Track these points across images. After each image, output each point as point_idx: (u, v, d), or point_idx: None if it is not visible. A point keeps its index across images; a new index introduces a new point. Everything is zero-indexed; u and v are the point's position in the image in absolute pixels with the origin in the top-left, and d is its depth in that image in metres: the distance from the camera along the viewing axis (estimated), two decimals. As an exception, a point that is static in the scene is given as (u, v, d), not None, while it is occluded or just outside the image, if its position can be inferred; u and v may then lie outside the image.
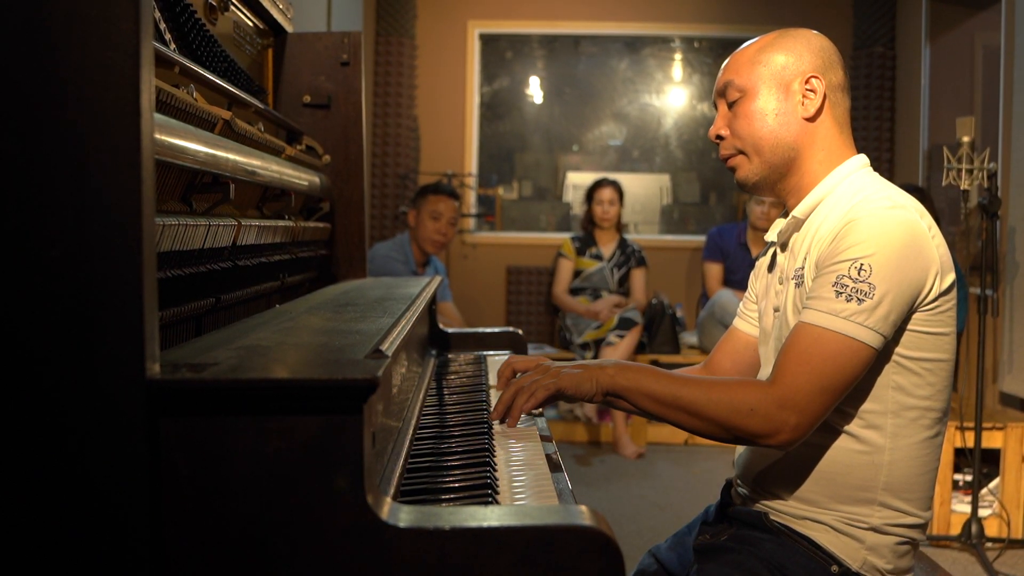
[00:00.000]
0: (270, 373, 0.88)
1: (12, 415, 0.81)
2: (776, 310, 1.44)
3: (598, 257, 4.83)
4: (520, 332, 2.11)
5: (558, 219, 6.04)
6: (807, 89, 1.39)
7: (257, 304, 1.55)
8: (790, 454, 1.35)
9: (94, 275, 0.81)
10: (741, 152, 1.43)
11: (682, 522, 1.64)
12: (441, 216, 4.05)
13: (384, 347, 1.04)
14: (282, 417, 0.83)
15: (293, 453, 0.83)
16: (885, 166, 5.15)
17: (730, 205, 6.13)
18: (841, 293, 1.24)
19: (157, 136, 1.01)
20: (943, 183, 3.20)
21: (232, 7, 1.78)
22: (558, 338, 4.93)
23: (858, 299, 1.23)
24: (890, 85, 5.18)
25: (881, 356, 1.29)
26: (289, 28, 2.10)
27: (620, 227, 4.91)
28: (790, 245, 1.44)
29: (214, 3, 1.65)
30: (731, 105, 1.43)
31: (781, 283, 1.44)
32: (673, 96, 6.16)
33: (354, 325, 1.24)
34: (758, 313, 1.54)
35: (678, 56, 6.08)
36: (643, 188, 6.10)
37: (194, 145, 1.16)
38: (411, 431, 1.31)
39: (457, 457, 1.22)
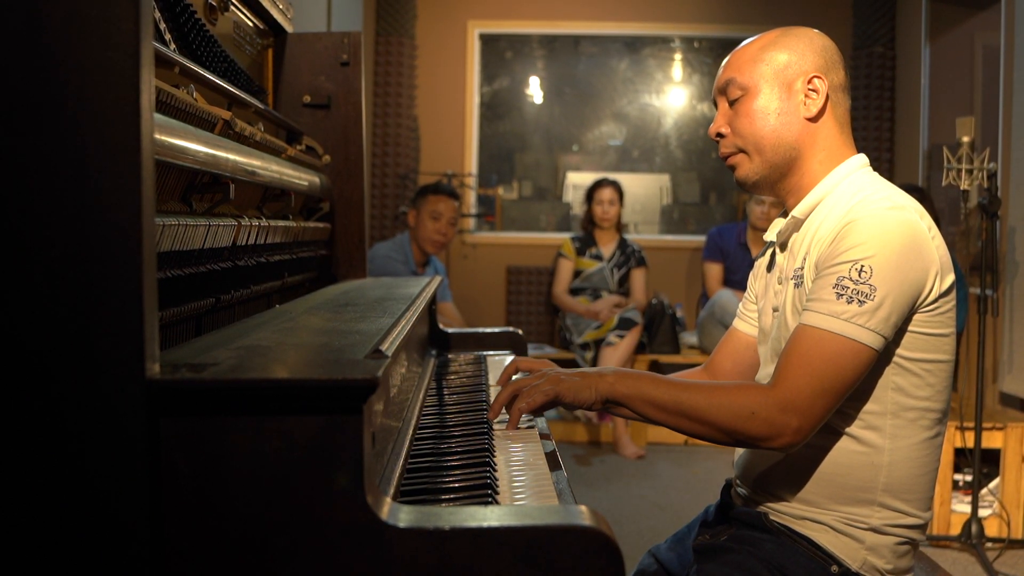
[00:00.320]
0: (270, 373, 0.88)
1: (12, 415, 0.82)
2: (775, 310, 1.44)
3: (598, 257, 4.83)
4: (520, 332, 2.11)
5: (558, 219, 6.04)
6: (809, 89, 1.39)
7: (257, 304, 1.55)
8: (790, 455, 1.35)
9: (94, 275, 0.81)
10: (742, 151, 1.42)
11: (682, 522, 1.64)
12: (441, 216, 4.05)
13: (384, 347, 1.03)
14: (282, 417, 0.83)
15: (293, 453, 0.83)
16: (885, 166, 5.15)
17: (730, 205, 6.13)
18: (842, 295, 1.24)
19: (157, 136, 1.01)
20: (943, 183, 3.20)
21: (232, 7, 1.78)
22: (558, 338, 4.93)
23: (859, 301, 1.23)
24: (890, 85, 5.18)
25: (881, 357, 1.28)
26: (289, 28, 2.10)
27: (620, 227, 4.91)
28: (789, 245, 1.44)
29: (214, 3, 1.65)
30: (732, 103, 1.42)
31: (780, 283, 1.44)
32: (673, 96, 6.16)
33: (354, 325, 1.24)
34: (757, 313, 1.54)
35: (678, 56, 6.08)
36: (643, 188, 6.10)
37: (194, 145, 1.16)
38: (411, 431, 1.32)
39: (457, 457, 1.22)
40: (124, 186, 0.81)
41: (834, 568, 1.31)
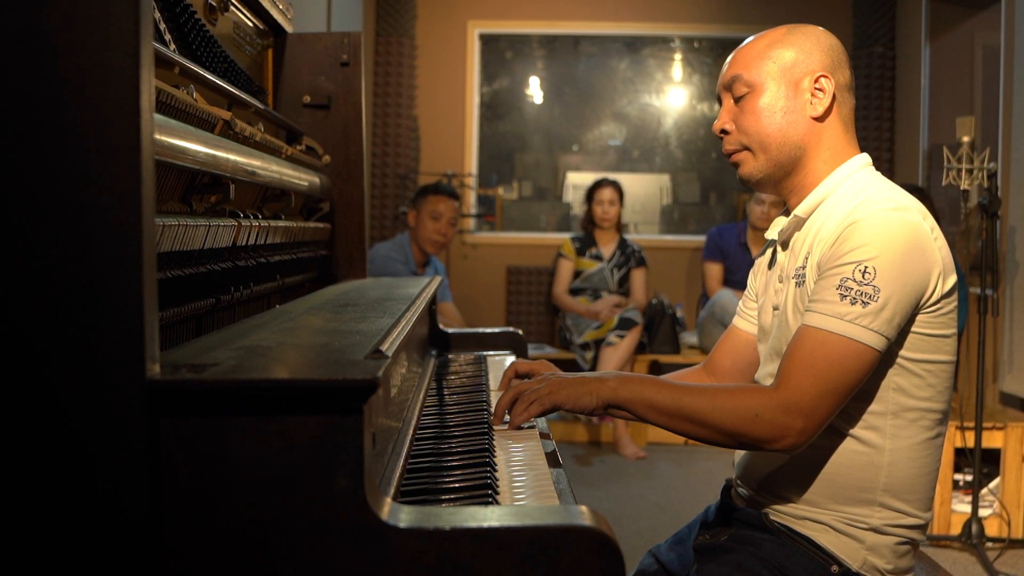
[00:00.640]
0: (270, 374, 0.88)
1: (13, 416, 0.81)
2: (775, 308, 1.44)
3: (598, 257, 4.83)
4: (520, 332, 2.11)
5: (558, 219, 6.04)
6: (816, 88, 1.38)
7: (257, 304, 1.55)
8: (791, 455, 1.35)
9: (94, 276, 0.81)
10: (746, 148, 1.42)
11: (682, 522, 1.64)
12: (441, 216, 4.05)
13: (384, 347, 1.03)
14: (282, 417, 0.83)
15: (293, 453, 0.83)
16: (885, 166, 5.15)
17: (730, 205, 6.13)
18: (846, 296, 1.24)
19: (157, 136, 1.01)
20: (943, 183, 3.20)
21: (232, 7, 1.78)
22: (558, 338, 4.93)
23: (863, 302, 1.23)
24: (890, 85, 5.18)
25: (883, 357, 1.28)
26: (289, 28, 2.10)
27: (620, 227, 4.91)
28: (791, 244, 1.43)
29: (214, 3, 1.65)
30: (737, 100, 1.42)
31: (781, 281, 1.43)
32: (673, 96, 6.16)
33: (354, 325, 1.24)
34: (757, 311, 1.54)
35: (678, 56, 6.08)
36: (643, 188, 6.10)
37: (194, 145, 1.16)
38: (411, 431, 1.31)
39: (457, 457, 1.22)
40: (124, 186, 0.81)
41: (834, 568, 1.31)
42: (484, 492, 1.07)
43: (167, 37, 1.37)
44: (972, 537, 3.00)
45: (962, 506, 3.24)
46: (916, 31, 4.91)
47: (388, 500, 0.87)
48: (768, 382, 1.42)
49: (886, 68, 5.17)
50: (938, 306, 1.29)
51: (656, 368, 4.61)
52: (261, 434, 0.83)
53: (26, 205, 0.81)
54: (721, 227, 4.92)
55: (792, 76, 1.38)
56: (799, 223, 1.42)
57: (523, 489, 1.09)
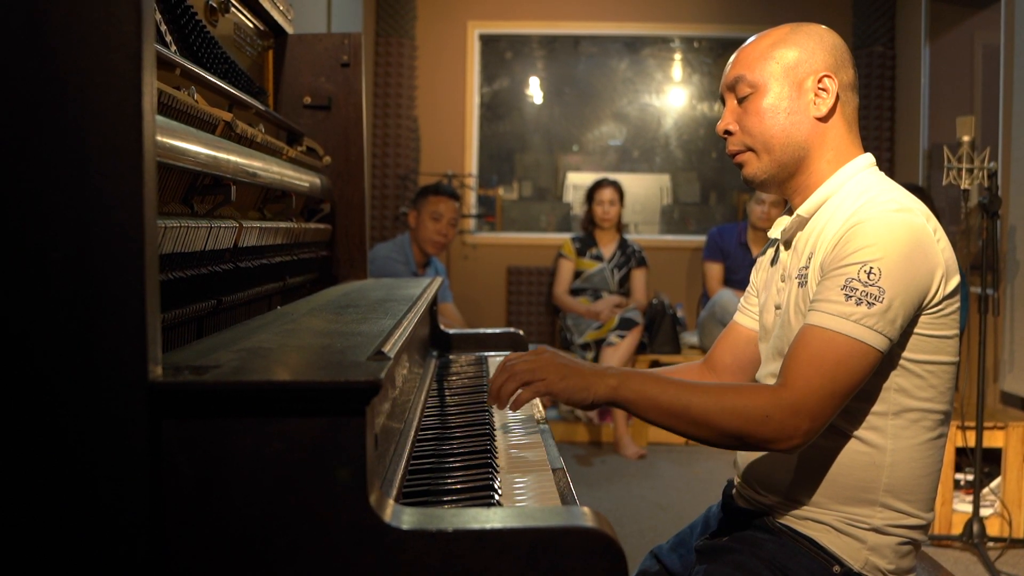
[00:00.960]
0: (272, 375, 0.88)
1: (14, 417, 0.81)
2: (777, 308, 1.44)
3: (598, 258, 4.83)
4: (521, 333, 2.11)
5: (558, 219, 6.04)
6: (820, 88, 1.37)
7: (258, 306, 1.55)
8: (792, 455, 1.35)
9: (96, 277, 0.81)
10: (750, 149, 1.41)
11: (684, 522, 1.64)
12: (441, 217, 4.05)
13: (386, 349, 1.03)
14: (284, 419, 0.83)
15: (295, 455, 0.83)
16: (885, 166, 5.15)
17: (730, 205, 6.13)
18: (851, 296, 1.24)
19: (158, 138, 1.01)
20: (943, 182, 3.20)
21: (232, 9, 1.78)
22: (559, 338, 4.93)
23: (868, 303, 1.23)
24: (890, 85, 5.18)
25: (885, 358, 1.28)
26: (289, 29, 2.10)
27: (620, 227, 4.91)
28: (793, 243, 1.43)
29: (214, 5, 1.65)
30: (741, 100, 1.41)
31: (783, 281, 1.43)
32: (673, 96, 6.15)
33: (356, 327, 1.24)
34: (758, 308, 1.53)
35: (678, 56, 6.08)
36: (643, 188, 6.10)
37: (195, 147, 1.16)
38: (413, 433, 1.31)
39: (459, 459, 1.22)
40: (126, 188, 0.81)
41: (836, 568, 1.31)
42: (486, 493, 1.07)
43: (168, 38, 1.37)
44: (973, 537, 3.00)
45: (963, 506, 3.24)
46: (916, 31, 4.91)
47: (391, 502, 0.87)
48: (769, 381, 1.42)
49: (886, 68, 5.17)
50: (940, 307, 1.29)
51: (656, 368, 4.61)
52: (263, 436, 0.83)
53: (28, 206, 0.81)
54: (721, 227, 4.92)
55: (795, 76, 1.38)
56: (802, 223, 1.41)
57: (525, 490, 1.09)
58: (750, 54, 1.41)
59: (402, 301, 1.60)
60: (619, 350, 4.41)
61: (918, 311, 1.28)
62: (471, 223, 5.48)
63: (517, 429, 1.41)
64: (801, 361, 1.25)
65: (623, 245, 4.86)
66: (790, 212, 1.47)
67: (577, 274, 4.84)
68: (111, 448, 0.82)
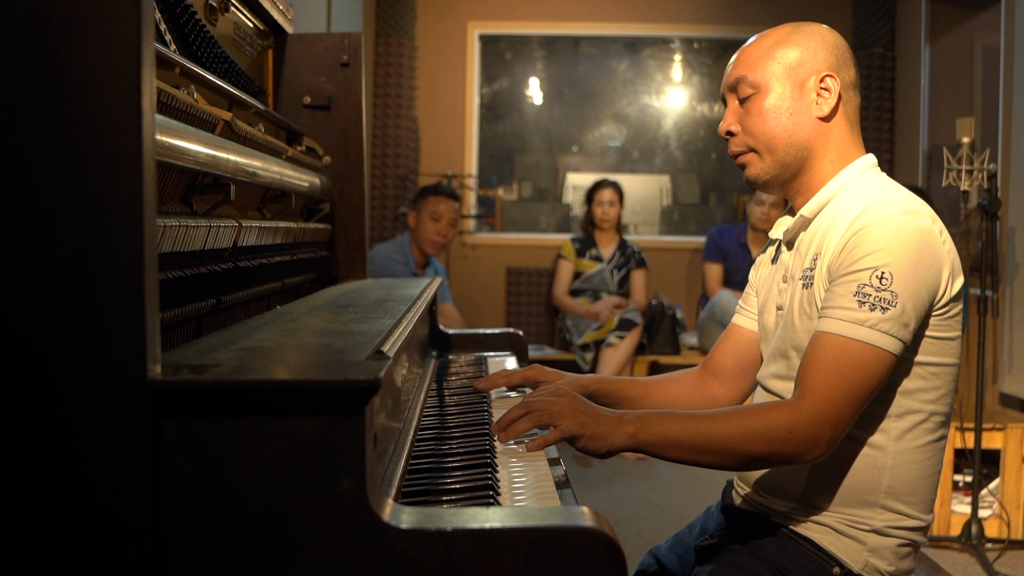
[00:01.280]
0: (272, 374, 0.88)
1: (14, 416, 0.81)
2: (779, 308, 1.43)
3: (598, 258, 4.83)
4: (520, 333, 2.11)
5: (558, 220, 6.04)
6: (822, 88, 1.37)
7: (258, 305, 1.55)
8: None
9: (95, 276, 0.81)
10: (752, 150, 1.41)
11: (683, 523, 1.63)
12: (441, 217, 4.04)
13: (385, 348, 1.03)
14: (284, 418, 0.83)
15: (295, 454, 0.83)
16: (885, 167, 5.15)
17: (730, 206, 6.13)
18: (864, 302, 1.23)
19: (158, 137, 1.01)
20: (943, 184, 3.20)
21: (232, 8, 1.78)
22: (558, 339, 4.93)
23: (882, 308, 1.23)
24: (890, 86, 5.18)
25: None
26: (289, 29, 2.10)
27: (620, 228, 4.91)
28: (796, 244, 1.43)
29: (214, 4, 1.65)
30: (743, 101, 1.40)
31: (786, 282, 1.43)
32: (673, 97, 6.16)
33: (355, 326, 1.24)
34: (758, 306, 1.53)
35: (678, 57, 6.08)
36: (643, 189, 6.10)
37: (195, 146, 1.16)
38: (412, 432, 1.31)
39: (458, 458, 1.22)
40: (126, 187, 0.81)
41: (836, 570, 1.31)
42: (485, 493, 1.07)
43: (168, 38, 1.37)
44: (972, 538, 3.00)
45: (962, 507, 3.24)
46: (916, 32, 4.91)
47: (390, 501, 0.87)
48: (771, 382, 1.42)
49: (886, 69, 5.17)
50: (946, 309, 1.29)
51: (656, 369, 4.61)
52: (263, 435, 0.83)
53: (27, 205, 0.81)
54: (721, 228, 4.92)
55: (797, 76, 1.37)
56: (805, 223, 1.41)
57: (524, 490, 1.09)
58: (751, 54, 1.41)
59: (401, 301, 1.59)
60: (618, 351, 4.41)
61: (928, 313, 1.28)
62: (471, 224, 5.48)
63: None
64: (818, 370, 1.24)
65: (623, 246, 4.86)
66: (791, 212, 1.46)
67: (577, 275, 4.84)
68: (110, 447, 0.81)
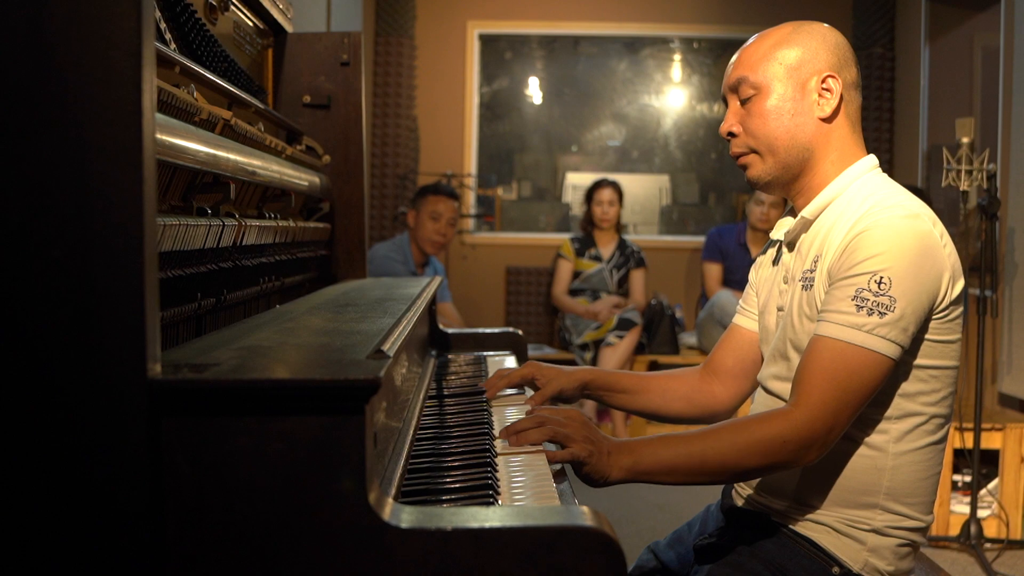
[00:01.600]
0: (272, 373, 0.88)
1: (14, 415, 0.81)
2: (780, 309, 1.43)
3: (597, 258, 4.83)
4: (520, 333, 2.11)
5: (557, 220, 6.04)
6: (823, 88, 1.36)
7: (257, 304, 1.55)
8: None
9: (96, 275, 0.81)
10: (754, 151, 1.40)
11: (682, 522, 1.63)
12: (440, 216, 4.04)
13: (386, 347, 1.03)
14: (284, 418, 0.83)
15: (295, 454, 0.83)
16: (884, 167, 5.11)
17: (729, 206, 6.13)
18: (862, 307, 1.23)
19: (158, 136, 1.01)
20: (942, 184, 3.20)
21: (232, 7, 1.78)
22: (557, 339, 4.93)
23: (880, 312, 1.23)
24: (889, 86, 5.18)
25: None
26: (289, 28, 2.10)
27: (619, 228, 4.91)
28: (797, 245, 1.43)
29: (214, 3, 1.64)
30: (744, 102, 1.40)
31: (787, 283, 1.43)
32: (672, 97, 6.16)
33: (355, 325, 1.24)
34: (758, 307, 1.53)
35: (677, 57, 6.08)
36: (642, 189, 6.10)
37: (195, 145, 1.15)
38: (412, 431, 1.31)
39: (458, 457, 1.22)
40: (126, 186, 0.81)
41: (835, 569, 1.31)
42: (485, 492, 1.07)
43: (168, 36, 1.37)
44: (971, 538, 3.00)
45: (961, 507, 3.24)
46: (916, 32, 4.91)
47: (390, 500, 0.87)
48: (771, 383, 1.42)
49: (885, 69, 5.17)
50: (946, 312, 1.29)
51: (655, 368, 4.61)
52: (263, 434, 0.83)
53: (27, 204, 0.81)
54: (720, 228, 4.92)
55: (799, 77, 1.37)
56: (806, 225, 1.41)
57: (523, 489, 1.09)
58: (752, 55, 1.40)
59: (401, 300, 1.59)
60: (617, 350, 4.41)
61: (928, 317, 1.28)
62: (470, 223, 5.48)
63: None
64: (814, 374, 1.24)
65: (622, 245, 4.86)
66: (792, 213, 1.46)
67: (576, 274, 4.84)
68: (111, 446, 0.81)
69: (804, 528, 1.35)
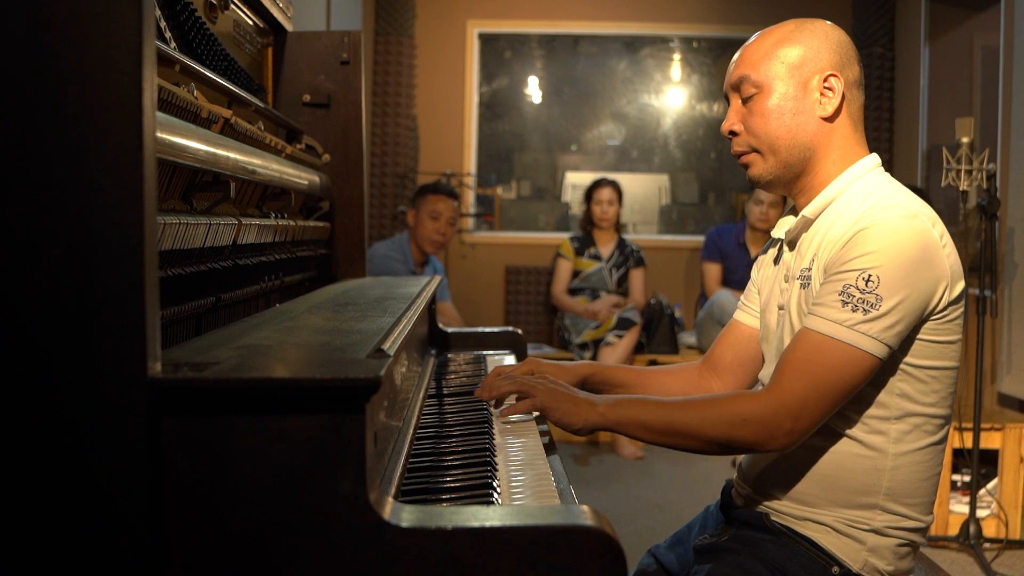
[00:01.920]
0: (272, 373, 0.88)
1: (14, 414, 0.81)
2: (780, 308, 1.43)
3: (597, 257, 4.83)
4: (519, 332, 2.11)
5: (557, 219, 6.03)
6: (825, 87, 1.36)
7: (257, 303, 1.55)
8: (793, 456, 1.35)
9: (96, 274, 0.81)
10: (755, 150, 1.40)
11: (681, 522, 1.63)
12: (440, 216, 4.04)
13: (386, 346, 1.03)
14: (284, 417, 0.83)
15: (295, 453, 0.83)
16: (884, 166, 5.13)
17: (729, 205, 6.13)
18: (847, 303, 1.23)
19: (158, 134, 1.01)
20: (942, 184, 3.20)
21: (232, 6, 1.78)
22: (557, 338, 4.93)
23: (864, 309, 1.23)
24: (889, 86, 5.18)
25: (887, 365, 1.28)
26: (289, 27, 2.10)
27: (619, 227, 4.91)
28: (798, 244, 1.43)
29: (214, 2, 1.64)
30: (745, 101, 1.40)
31: (787, 281, 1.43)
32: (672, 96, 6.15)
33: (355, 324, 1.23)
34: (759, 307, 1.53)
35: (677, 56, 6.08)
36: (642, 188, 6.10)
37: (195, 144, 1.15)
38: (411, 431, 1.31)
39: (457, 457, 1.22)
40: (126, 184, 0.81)
41: (835, 569, 1.31)
42: (485, 491, 1.07)
43: (168, 35, 1.37)
44: (970, 538, 3.00)
45: (960, 507, 3.24)
46: (915, 32, 4.91)
47: (390, 499, 0.87)
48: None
49: (885, 69, 5.17)
50: (945, 313, 1.29)
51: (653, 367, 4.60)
52: (263, 433, 0.83)
53: (28, 203, 0.81)
54: (720, 227, 4.92)
55: (801, 76, 1.36)
56: (807, 224, 1.41)
57: (523, 488, 1.09)
58: (754, 53, 1.40)
59: (401, 299, 1.59)
60: (617, 350, 4.41)
61: (922, 318, 1.28)
62: (469, 222, 5.48)
63: (515, 427, 1.41)
64: (790, 363, 1.26)
65: (621, 245, 4.86)
66: (794, 212, 1.46)
67: (575, 274, 4.84)
68: (111, 445, 0.81)
69: (804, 528, 1.35)
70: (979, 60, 4.58)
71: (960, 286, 1.30)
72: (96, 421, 0.81)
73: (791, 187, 1.43)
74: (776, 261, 1.50)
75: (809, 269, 1.36)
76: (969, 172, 3.14)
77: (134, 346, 0.81)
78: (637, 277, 4.83)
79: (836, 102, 1.36)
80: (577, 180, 6.01)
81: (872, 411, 1.30)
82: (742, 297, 1.61)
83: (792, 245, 1.44)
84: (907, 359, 1.29)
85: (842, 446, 1.32)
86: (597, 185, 4.85)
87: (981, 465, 3.21)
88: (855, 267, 1.24)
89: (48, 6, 0.81)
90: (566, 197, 6.07)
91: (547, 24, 5.55)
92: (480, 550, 0.82)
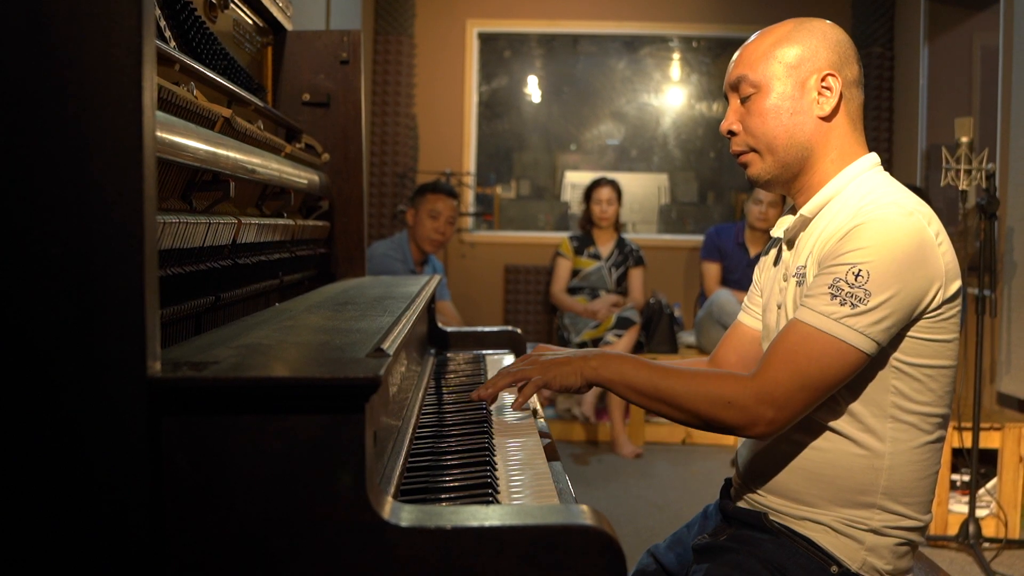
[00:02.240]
0: (271, 372, 0.88)
1: (14, 413, 0.81)
2: (779, 307, 1.43)
3: (596, 256, 4.83)
4: (519, 331, 2.11)
5: (556, 218, 6.03)
6: (823, 87, 1.36)
7: (256, 302, 1.55)
8: (791, 455, 1.35)
9: (95, 273, 0.81)
10: (753, 150, 1.40)
11: (681, 522, 1.64)
12: (439, 215, 4.04)
13: (385, 346, 1.03)
14: (284, 416, 0.83)
15: (295, 452, 0.83)
16: (883, 166, 5.13)
17: (728, 205, 6.13)
18: (836, 296, 1.24)
19: (158, 134, 1.01)
20: (941, 183, 3.20)
21: (232, 5, 1.78)
22: (556, 337, 4.93)
23: (851, 303, 1.23)
24: (888, 85, 5.18)
25: (880, 362, 1.28)
26: (288, 26, 2.10)
27: (618, 226, 4.91)
28: (796, 243, 1.43)
29: (214, 1, 1.64)
30: (744, 100, 1.40)
31: (785, 280, 1.43)
32: (671, 96, 6.15)
33: (354, 324, 1.23)
34: (762, 307, 1.53)
35: (676, 56, 6.08)
36: (641, 187, 6.10)
37: (195, 143, 1.15)
38: (411, 430, 1.31)
39: (457, 456, 1.22)
40: (126, 183, 0.81)
41: (834, 568, 1.31)
42: (484, 491, 1.07)
43: (167, 34, 1.37)
44: (969, 537, 3.01)
45: (959, 506, 3.25)
46: (915, 32, 4.91)
47: (389, 499, 0.87)
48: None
49: (884, 68, 5.17)
50: (940, 311, 1.29)
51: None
52: (263, 432, 0.83)
53: (27, 202, 0.81)
54: (719, 227, 4.92)
55: (798, 75, 1.37)
56: (805, 222, 1.41)
57: (523, 488, 1.09)
58: (752, 53, 1.40)
59: (400, 299, 1.59)
60: (616, 349, 4.41)
61: (915, 316, 1.28)
62: (469, 221, 5.48)
63: (514, 427, 1.41)
64: (775, 352, 1.28)
65: (621, 244, 4.86)
66: (793, 211, 1.46)
67: (575, 273, 4.84)
68: (110, 444, 0.81)
69: (802, 527, 1.35)
70: (978, 60, 4.58)
71: (956, 285, 1.30)
72: (96, 420, 0.81)
73: (790, 186, 1.43)
74: (776, 261, 1.50)
75: (804, 266, 1.36)
76: (968, 172, 3.14)
77: (134, 345, 0.81)
78: (636, 276, 4.83)
79: (834, 101, 1.36)
80: (576, 179, 6.01)
81: (867, 410, 1.31)
82: (745, 299, 1.62)
83: (791, 244, 1.45)
84: (902, 357, 1.29)
85: (839, 446, 1.32)
86: (596, 184, 4.85)
87: (980, 465, 3.21)
88: (846, 261, 1.25)
89: (48, 6, 0.81)
90: (565, 196, 6.07)
91: (546, 24, 5.55)
92: (479, 550, 0.82)
